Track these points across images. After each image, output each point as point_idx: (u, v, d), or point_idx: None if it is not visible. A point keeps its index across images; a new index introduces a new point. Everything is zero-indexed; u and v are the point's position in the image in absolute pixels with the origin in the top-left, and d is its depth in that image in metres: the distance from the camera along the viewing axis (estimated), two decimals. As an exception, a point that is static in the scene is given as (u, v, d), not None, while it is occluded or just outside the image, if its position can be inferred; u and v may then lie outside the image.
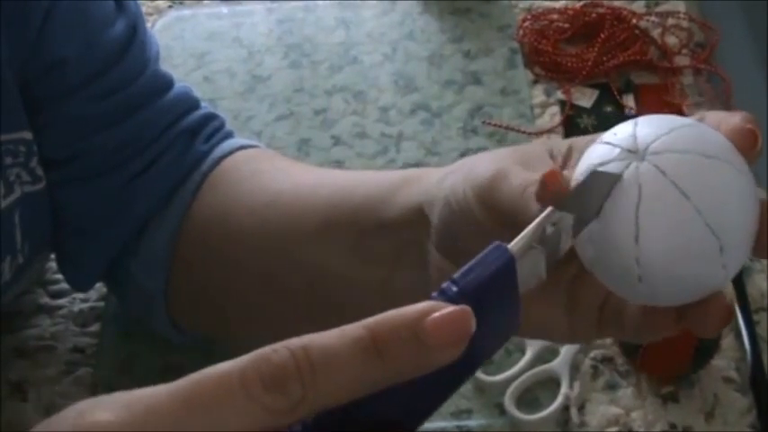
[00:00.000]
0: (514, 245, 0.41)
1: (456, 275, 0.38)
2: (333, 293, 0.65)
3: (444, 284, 0.38)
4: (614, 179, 0.45)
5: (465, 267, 0.39)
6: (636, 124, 0.47)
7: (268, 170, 0.74)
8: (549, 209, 0.44)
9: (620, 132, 0.47)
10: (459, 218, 0.54)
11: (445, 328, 0.36)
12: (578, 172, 0.47)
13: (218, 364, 0.35)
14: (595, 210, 0.45)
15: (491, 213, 0.52)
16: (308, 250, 0.66)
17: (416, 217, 0.59)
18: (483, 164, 0.54)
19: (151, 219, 0.75)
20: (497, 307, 0.40)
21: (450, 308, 0.36)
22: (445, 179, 0.57)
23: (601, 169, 0.45)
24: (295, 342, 0.35)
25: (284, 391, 0.34)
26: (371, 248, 0.63)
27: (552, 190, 0.46)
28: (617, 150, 0.46)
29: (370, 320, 0.36)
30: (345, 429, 0.36)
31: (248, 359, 0.35)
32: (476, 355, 0.38)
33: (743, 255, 0.45)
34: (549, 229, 0.43)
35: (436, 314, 0.36)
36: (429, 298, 0.37)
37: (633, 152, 0.45)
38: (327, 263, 0.65)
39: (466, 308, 0.36)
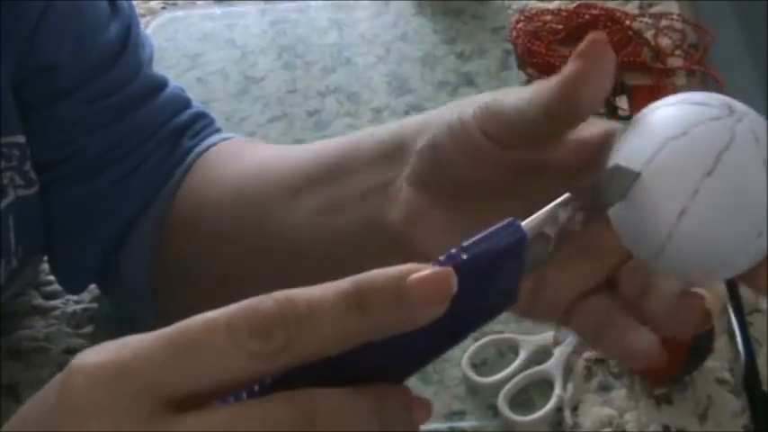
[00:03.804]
0: (528, 223, 0.42)
1: (466, 243, 0.39)
2: (305, 253, 0.64)
3: (453, 250, 0.39)
4: (633, 177, 0.45)
5: (477, 237, 0.39)
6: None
7: (245, 153, 0.74)
8: (567, 194, 0.44)
9: (713, 98, 0.46)
10: (451, 143, 0.53)
11: (428, 286, 0.37)
12: (671, 133, 0.45)
13: (205, 312, 0.36)
14: (616, 201, 0.45)
15: (491, 129, 0.51)
16: (281, 215, 0.65)
17: (390, 152, 0.58)
18: (480, 96, 0.53)
19: (140, 217, 0.75)
20: (501, 278, 0.40)
21: (433, 268, 0.37)
22: (433, 118, 0.56)
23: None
24: (281, 293, 0.36)
25: (269, 338, 0.35)
26: (339, 198, 0.62)
27: (603, 53, 0.46)
28: (715, 110, 0.45)
29: (357, 276, 0.37)
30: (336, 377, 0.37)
31: (235, 307, 0.36)
32: (471, 318, 0.40)
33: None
34: (563, 215, 0.44)
35: (420, 273, 0.37)
36: (435, 261, 0.38)
37: (732, 112, 0.45)
38: (299, 222, 0.64)
39: (448, 269, 0.37)
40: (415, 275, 0.37)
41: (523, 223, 0.41)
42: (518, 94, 0.50)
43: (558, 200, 0.43)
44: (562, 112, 0.47)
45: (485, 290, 0.40)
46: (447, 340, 0.40)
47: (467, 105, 0.52)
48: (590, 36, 0.47)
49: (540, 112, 0.48)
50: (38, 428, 0.37)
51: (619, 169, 0.45)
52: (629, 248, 0.47)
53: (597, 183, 0.45)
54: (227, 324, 0.35)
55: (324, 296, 0.36)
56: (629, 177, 0.45)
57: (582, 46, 0.47)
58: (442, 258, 0.38)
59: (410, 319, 0.37)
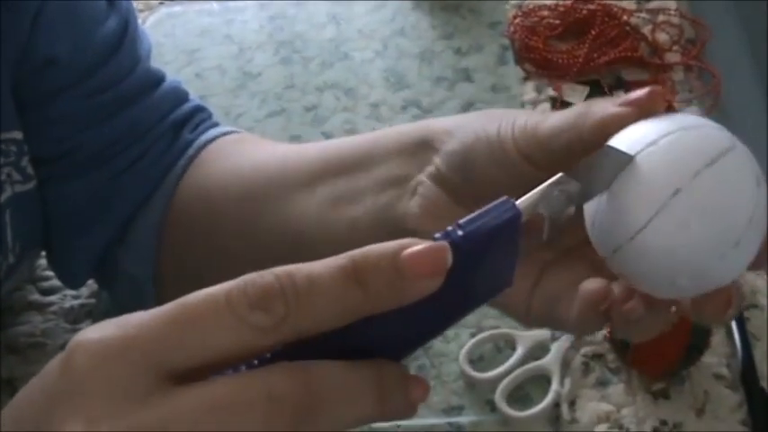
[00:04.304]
0: (522, 202, 0.42)
1: (462, 221, 0.39)
2: (308, 244, 0.65)
3: (450, 227, 0.39)
4: (627, 159, 0.45)
5: (472, 215, 0.40)
6: None
7: (252, 148, 0.74)
8: (560, 174, 0.44)
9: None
10: (486, 156, 0.54)
11: (422, 259, 0.37)
12: (683, 125, 0.47)
13: (204, 288, 0.37)
14: (605, 184, 0.46)
15: (529, 150, 0.52)
16: (291, 204, 0.65)
17: (414, 149, 0.59)
18: (522, 114, 0.54)
19: (138, 210, 0.75)
20: (496, 258, 0.41)
21: (428, 242, 0.38)
22: (465, 122, 0.56)
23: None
24: (280, 268, 0.37)
25: (268, 310, 0.36)
26: (354, 189, 0.62)
27: (653, 103, 0.49)
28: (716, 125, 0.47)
29: (353, 251, 0.37)
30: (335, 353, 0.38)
31: (234, 282, 0.37)
32: (468, 299, 0.41)
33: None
34: (556, 194, 0.44)
35: (414, 248, 0.37)
36: (432, 238, 0.39)
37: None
38: (308, 213, 0.64)
39: (443, 243, 0.38)
40: (409, 249, 0.37)
41: (518, 201, 0.42)
42: (557, 116, 0.52)
43: (552, 179, 0.44)
44: (595, 145, 0.48)
45: (481, 268, 0.40)
46: (444, 320, 0.41)
47: (506, 122, 0.54)
48: (650, 89, 0.49)
49: (575, 139, 0.50)
50: (37, 416, 0.37)
51: (611, 150, 0.46)
52: (599, 237, 0.47)
53: (589, 164, 0.46)
54: (227, 298, 0.36)
55: (322, 271, 0.37)
56: (621, 160, 0.45)
57: (638, 94, 0.50)
58: (438, 235, 0.39)
59: (405, 292, 0.37)
